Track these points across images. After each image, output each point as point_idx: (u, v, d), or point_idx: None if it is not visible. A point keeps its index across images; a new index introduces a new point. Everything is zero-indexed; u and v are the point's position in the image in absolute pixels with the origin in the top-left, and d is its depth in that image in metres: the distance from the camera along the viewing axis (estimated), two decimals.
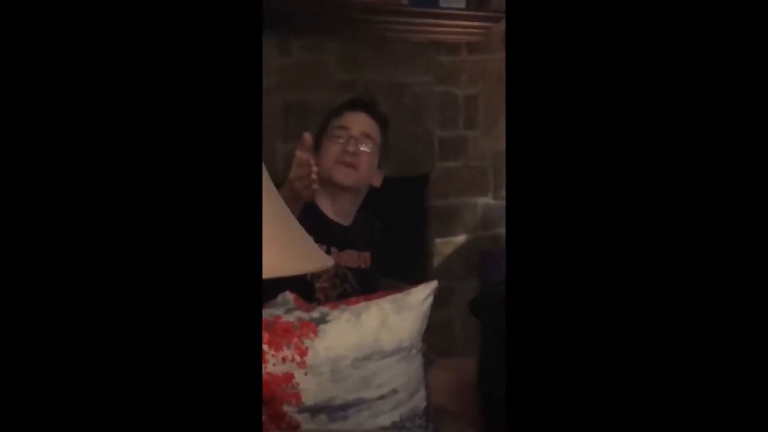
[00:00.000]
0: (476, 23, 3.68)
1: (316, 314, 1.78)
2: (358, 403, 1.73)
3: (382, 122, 2.69)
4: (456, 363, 2.69)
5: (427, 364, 1.95)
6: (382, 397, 1.75)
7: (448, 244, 3.79)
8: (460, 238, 3.83)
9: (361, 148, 2.58)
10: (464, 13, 3.64)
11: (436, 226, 3.76)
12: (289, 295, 1.87)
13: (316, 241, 2.51)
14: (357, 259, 2.65)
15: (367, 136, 2.61)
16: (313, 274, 2.52)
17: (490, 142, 3.86)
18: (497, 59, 3.82)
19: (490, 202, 3.90)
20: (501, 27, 3.78)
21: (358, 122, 2.62)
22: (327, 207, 2.60)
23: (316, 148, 2.62)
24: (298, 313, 1.78)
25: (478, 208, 3.88)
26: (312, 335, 1.74)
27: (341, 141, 2.57)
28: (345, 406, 1.73)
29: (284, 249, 1.20)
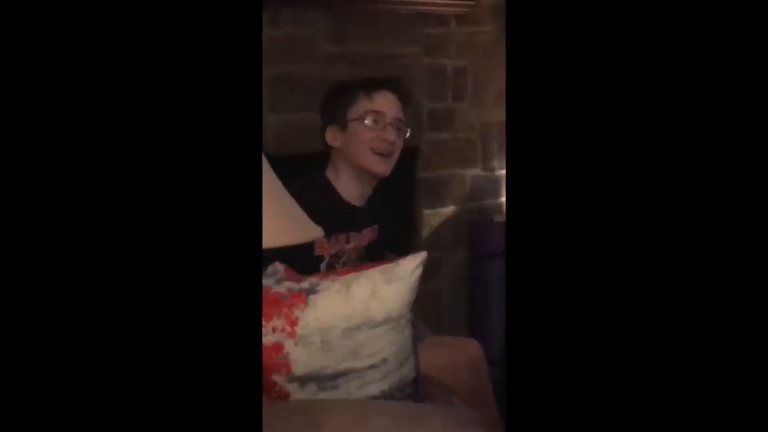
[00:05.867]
0: None
1: (305, 285, 1.78)
2: (347, 373, 1.75)
3: (408, 101, 2.66)
4: (449, 340, 2.70)
5: (419, 340, 1.96)
6: (371, 367, 1.76)
7: (436, 216, 3.80)
8: (449, 210, 3.83)
9: (396, 137, 2.56)
10: None
11: (424, 197, 3.77)
12: (279, 266, 1.87)
13: (335, 229, 2.51)
14: (372, 235, 2.66)
15: (399, 119, 2.59)
16: (332, 258, 2.51)
17: (479, 113, 3.86)
18: (486, 31, 3.81)
19: (479, 173, 3.91)
20: None
21: (391, 106, 2.58)
22: (347, 190, 2.59)
23: (341, 124, 2.59)
24: (288, 284, 1.79)
25: (467, 180, 3.88)
26: (302, 305, 1.75)
27: (376, 127, 2.54)
28: (335, 376, 1.74)
29: (276, 219, 1.21)
